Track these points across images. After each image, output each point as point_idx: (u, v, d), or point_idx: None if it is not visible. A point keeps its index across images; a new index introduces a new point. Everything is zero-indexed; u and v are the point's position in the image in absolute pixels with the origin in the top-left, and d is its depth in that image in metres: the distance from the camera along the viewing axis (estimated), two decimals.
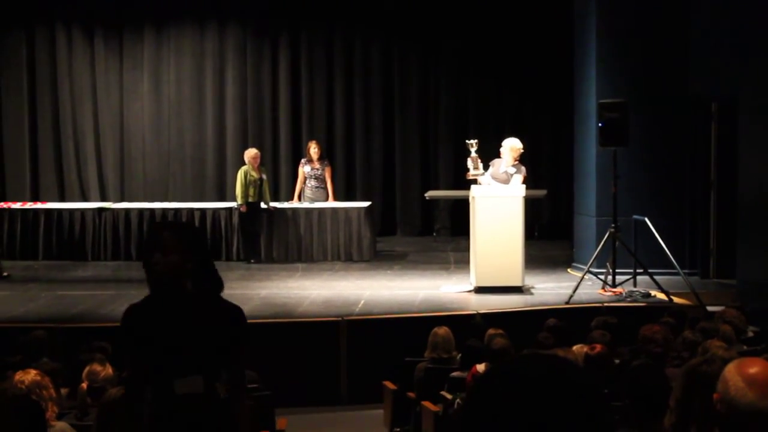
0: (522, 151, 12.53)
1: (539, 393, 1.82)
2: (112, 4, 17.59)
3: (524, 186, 12.29)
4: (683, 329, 8.53)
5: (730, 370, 3.06)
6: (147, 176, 17.89)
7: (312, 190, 15.51)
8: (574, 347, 7.58)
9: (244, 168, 14.91)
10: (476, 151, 12.34)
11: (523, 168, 12.50)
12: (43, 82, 17.85)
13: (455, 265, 14.35)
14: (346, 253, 15.07)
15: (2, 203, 15.68)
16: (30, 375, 5.87)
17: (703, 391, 3.62)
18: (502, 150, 12.54)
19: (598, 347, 7.27)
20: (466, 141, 12.67)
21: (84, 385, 6.72)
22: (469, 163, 12.40)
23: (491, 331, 8.37)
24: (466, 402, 1.94)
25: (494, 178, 12.38)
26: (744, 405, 2.98)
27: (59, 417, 5.90)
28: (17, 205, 15.42)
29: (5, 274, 13.81)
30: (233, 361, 4.51)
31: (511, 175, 12.37)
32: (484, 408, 1.85)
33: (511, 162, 12.45)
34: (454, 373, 8.18)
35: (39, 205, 15.73)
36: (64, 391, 6.95)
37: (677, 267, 12.07)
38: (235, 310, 4.53)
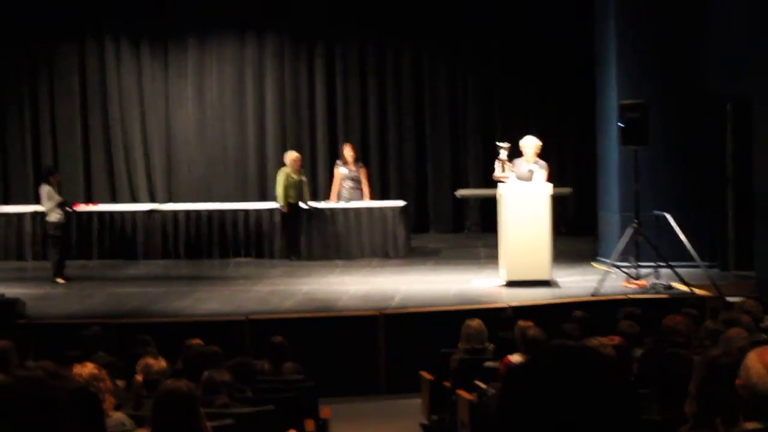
0: (540, 146, 12.83)
1: (572, 381, 1.95)
2: (157, 17, 18.14)
3: (550, 183, 12.57)
4: (704, 319, 8.68)
5: (752, 358, 3.22)
6: (192, 179, 18.45)
7: (349, 190, 15.92)
8: (593, 339, 7.86)
9: (284, 170, 15.41)
10: (507, 155, 12.66)
11: (544, 163, 12.81)
12: (93, 90, 18.43)
13: (486, 260, 14.57)
14: (382, 250, 15.50)
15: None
16: (87, 368, 5.90)
17: (724, 382, 3.62)
18: (522, 149, 12.89)
19: (617, 339, 7.46)
20: (497, 143, 12.99)
21: (139, 377, 6.87)
22: (497, 165, 12.80)
23: (521, 323, 8.44)
24: (504, 389, 2.06)
25: (518, 178, 12.70)
26: (765, 390, 3.16)
27: (116, 408, 5.95)
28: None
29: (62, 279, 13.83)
30: None
31: (533, 172, 12.72)
32: (520, 395, 1.99)
33: (533, 159, 12.81)
34: (488, 363, 8.31)
35: (92, 207, 16.19)
36: (120, 383, 7.14)
37: (697, 259, 12.29)
38: None
